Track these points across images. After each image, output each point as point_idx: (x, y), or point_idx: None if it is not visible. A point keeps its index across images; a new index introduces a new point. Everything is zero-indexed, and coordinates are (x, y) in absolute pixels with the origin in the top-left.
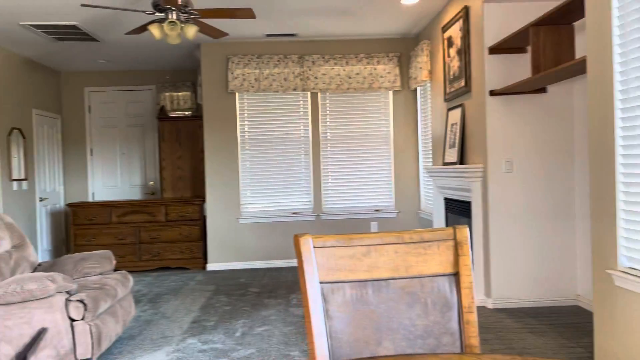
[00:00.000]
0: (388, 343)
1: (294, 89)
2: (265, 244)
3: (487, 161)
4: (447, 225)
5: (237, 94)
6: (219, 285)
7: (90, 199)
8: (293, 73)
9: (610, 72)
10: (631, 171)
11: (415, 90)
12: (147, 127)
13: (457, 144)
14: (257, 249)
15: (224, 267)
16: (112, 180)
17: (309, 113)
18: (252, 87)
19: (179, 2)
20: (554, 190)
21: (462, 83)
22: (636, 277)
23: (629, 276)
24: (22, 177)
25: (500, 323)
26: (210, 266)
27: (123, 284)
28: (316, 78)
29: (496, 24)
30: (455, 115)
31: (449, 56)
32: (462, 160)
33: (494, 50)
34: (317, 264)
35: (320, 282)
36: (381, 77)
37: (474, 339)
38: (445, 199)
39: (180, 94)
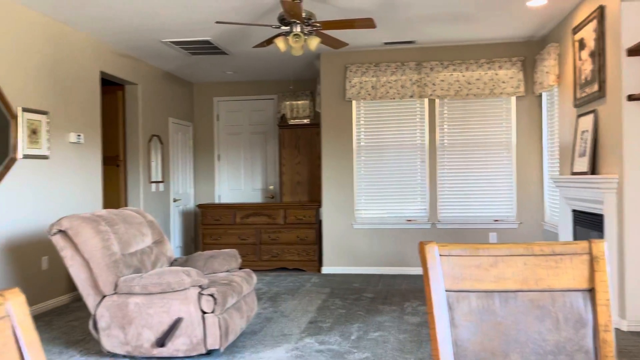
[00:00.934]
0: (516, 356)
1: (411, 96)
2: (379, 250)
3: (623, 171)
4: (574, 238)
5: (354, 101)
6: (333, 289)
7: (216, 201)
8: (410, 80)
9: None
10: None
11: (541, 95)
12: (269, 134)
13: (588, 153)
14: (370, 255)
15: (338, 271)
16: (237, 183)
17: (426, 120)
18: (369, 94)
19: (303, 16)
20: None
21: (596, 87)
22: None
23: None
24: (160, 179)
25: (636, 347)
26: (325, 269)
27: (248, 282)
28: (434, 85)
29: (635, 24)
30: (587, 121)
31: (580, 59)
32: (593, 170)
33: (633, 52)
34: (443, 272)
35: (446, 290)
36: (503, 82)
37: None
38: (573, 210)
39: (299, 102)
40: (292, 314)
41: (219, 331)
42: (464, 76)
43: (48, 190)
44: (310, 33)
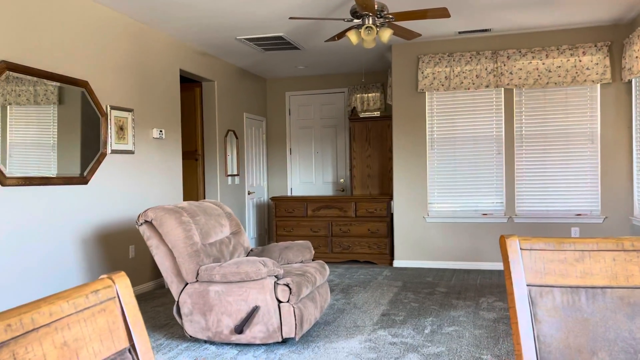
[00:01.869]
0: (604, 354)
1: (487, 86)
2: (453, 245)
3: None
4: None
5: (426, 93)
6: (405, 282)
7: (289, 194)
8: (486, 69)
9: None
10: None
11: (630, 82)
12: (339, 127)
13: None
14: (444, 249)
15: (410, 265)
16: (308, 177)
17: (503, 110)
18: (442, 85)
19: (376, 8)
20: None
21: None
22: None
23: None
24: (235, 172)
25: None
26: (397, 262)
27: (321, 273)
28: (511, 73)
29: None
30: None
31: None
32: None
33: None
34: (524, 266)
35: (528, 285)
36: (587, 69)
37: None
38: None
39: (370, 95)
40: (365, 306)
41: (294, 320)
42: (543, 64)
43: (133, 183)
44: (382, 25)
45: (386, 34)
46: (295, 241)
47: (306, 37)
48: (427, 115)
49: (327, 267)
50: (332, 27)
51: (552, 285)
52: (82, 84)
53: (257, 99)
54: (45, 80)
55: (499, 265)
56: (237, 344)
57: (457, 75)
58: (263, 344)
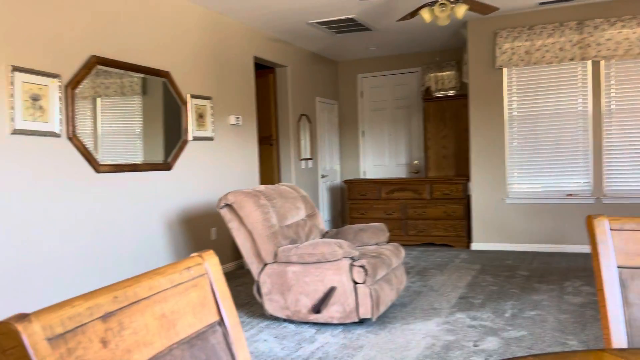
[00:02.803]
0: None
1: (571, 59)
2: (534, 227)
3: None
4: None
5: (504, 69)
6: (484, 265)
7: (361, 177)
8: (570, 41)
9: None
10: None
11: None
12: (413, 108)
13: None
14: (524, 232)
15: (488, 248)
16: (381, 159)
17: (589, 84)
18: (522, 60)
19: None
20: None
21: None
22: None
23: None
24: (308, 156)
25: None
26: (475, 245)
27: (396, 255)
28: (598, 45)
29: None
30: None
31: None
32: None
33: None
34: (615, 248)
35: (618, 267)
36: None
37: None
38: None
39: (444, 73)
40: (442, 288)
41: (370, 301)
42: (634, 33)
43: (213, 169)
44: (457, 1)
45: (461, 10)
46: (370, 224)
47: (378, 17)
48: (505, 92)
49: (402, 249)
50: (405, 5)
51: None
52: (164, 74)
53: (329, 82)
54: (130, 72)
55: (584, 248)
56: (315, 323)
57: (538, 49)
58: (340, 324)
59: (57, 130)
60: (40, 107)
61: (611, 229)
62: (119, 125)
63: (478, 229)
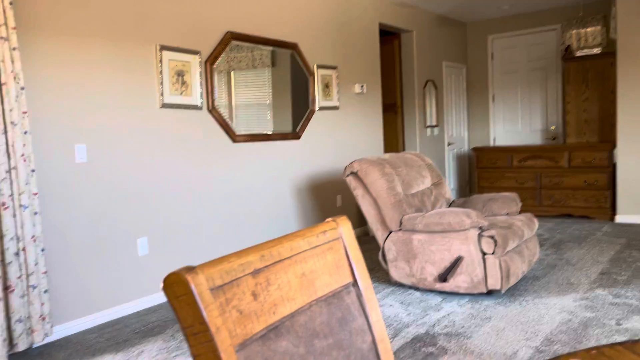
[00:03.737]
0: None
1: None
2: None
3: None
4: None
5: None
6: (630, 240)
7: (491, 144)
8: None
9: None
10: None
11: None
12: (550, 69)
13: None
14: None
15: (636, 221)
16: (513, 125)
17: None
18: None
19: None
20: None
21: None
22: None
23: None
24: (434, 124)
25: None
26: (620, 218)
27: (529, 226)
28: None
29: None
30: None
31: None
32: None
33: None
34: None
35: None
36: None
37: None
38: None
39: (588, 30)
40: (579, 263)
41: (499, 272)
42: None
43: (338, 137)
44: None
45: None
46: (500, 193)
47: None
48: None
49: (535, 220)
50: None
51: None
52: (292, 46)
53: (456, 45)
54: (260, 46)
55: None
56: (440, 292)
57: None
58: (467, 294)
59: (198, 104)
60: (184, 83)
61: None
62: (251, 97)
63: (624, 201)
